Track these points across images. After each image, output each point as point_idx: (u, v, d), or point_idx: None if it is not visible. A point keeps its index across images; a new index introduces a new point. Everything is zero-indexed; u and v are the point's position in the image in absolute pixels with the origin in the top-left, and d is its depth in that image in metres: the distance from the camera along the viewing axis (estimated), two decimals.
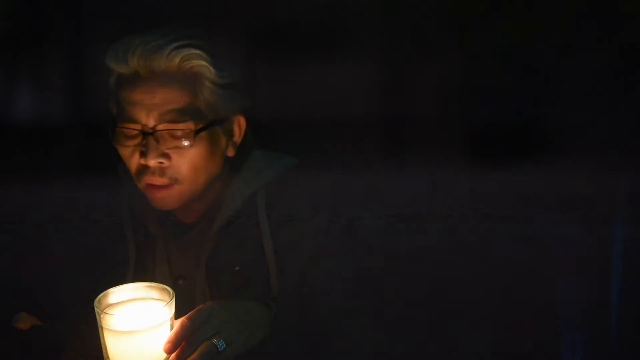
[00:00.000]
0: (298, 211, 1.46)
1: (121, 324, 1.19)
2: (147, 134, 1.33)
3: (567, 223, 1.48)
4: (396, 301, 1.43)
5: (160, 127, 1.33)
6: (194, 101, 1.34)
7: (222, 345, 1.21)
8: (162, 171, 1.35)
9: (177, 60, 1.32)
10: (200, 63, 1.34)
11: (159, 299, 1.23)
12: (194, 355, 1.20)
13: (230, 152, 1.42)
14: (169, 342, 1.19)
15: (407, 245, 1.50)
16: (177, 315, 1.23)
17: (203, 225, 1.46)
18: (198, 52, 1.34)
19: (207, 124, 1.35)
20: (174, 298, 1.21)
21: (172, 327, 1.22)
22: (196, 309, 1.23)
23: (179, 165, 1.35)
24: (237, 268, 1.43)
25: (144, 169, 1.36)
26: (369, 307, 1.40)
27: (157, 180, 1.35)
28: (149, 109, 1.32)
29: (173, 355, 1.20)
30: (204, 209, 1.46)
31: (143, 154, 1.34)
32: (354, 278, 1.42)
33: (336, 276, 1.42)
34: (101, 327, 1.19)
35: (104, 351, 1.21)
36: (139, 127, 1.33)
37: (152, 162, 1.34)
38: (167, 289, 1.23)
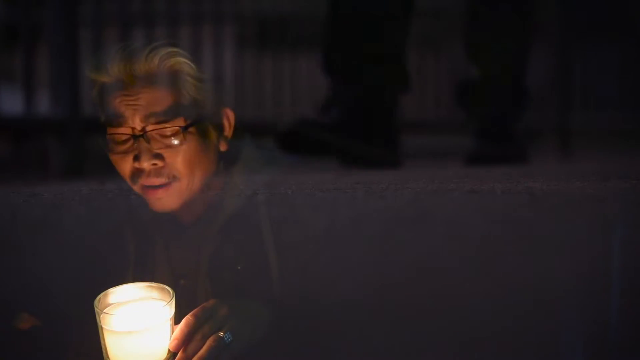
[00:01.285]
0: (298, 210, 1.47)
1: (121, 324, 1.19)
2: (137, 136, 1.34)
3: (572, 223, 1.48)
4: (397, 301, 1.43)
5: (149, 128, 1.34)
6: (180, 99, 1.37)
7: (229, 337, 1.23)
8: (157, 172, 1.36)
9: (156, 60, 1.35)
10: (179, 60, 1.37)
11: (159, 299, 1.23)
12: (202, 351, 1.21)
13: (223, 147, 1.43)
14: (175, 339, 1.21)
15: (408, 245, 1.50)
16: (179, 315, 1.23)
17: (203, 225, 1.46)
18: (175, 49, 1.37)
19: (194, 121, 1.37)
20: (174, 298, 1.22)
21: (172, 327, 1.22)
22: (200, 306, 1.25)
23: (174, 163, 1.36)
24: (238, 267, 1.44)
25: (138, 172, 1.37)
26: (369, 307, 1.40)
27: (155, 181, 1.36)
28: (135, 111, 1.34)
29: (180, 352, 1.21)
30: (204, 209, 1.46)
31: (136, 158, 1.35)
32: (355, 278, 1.42)
33: (337, 276, 1.43)
34: (101, 327, 1.20)
35: (104, 351, 1.21)
36: (128, 131, 1.35)
37: (146, 165, 1.35)
38: (167, 289, 1.23)
